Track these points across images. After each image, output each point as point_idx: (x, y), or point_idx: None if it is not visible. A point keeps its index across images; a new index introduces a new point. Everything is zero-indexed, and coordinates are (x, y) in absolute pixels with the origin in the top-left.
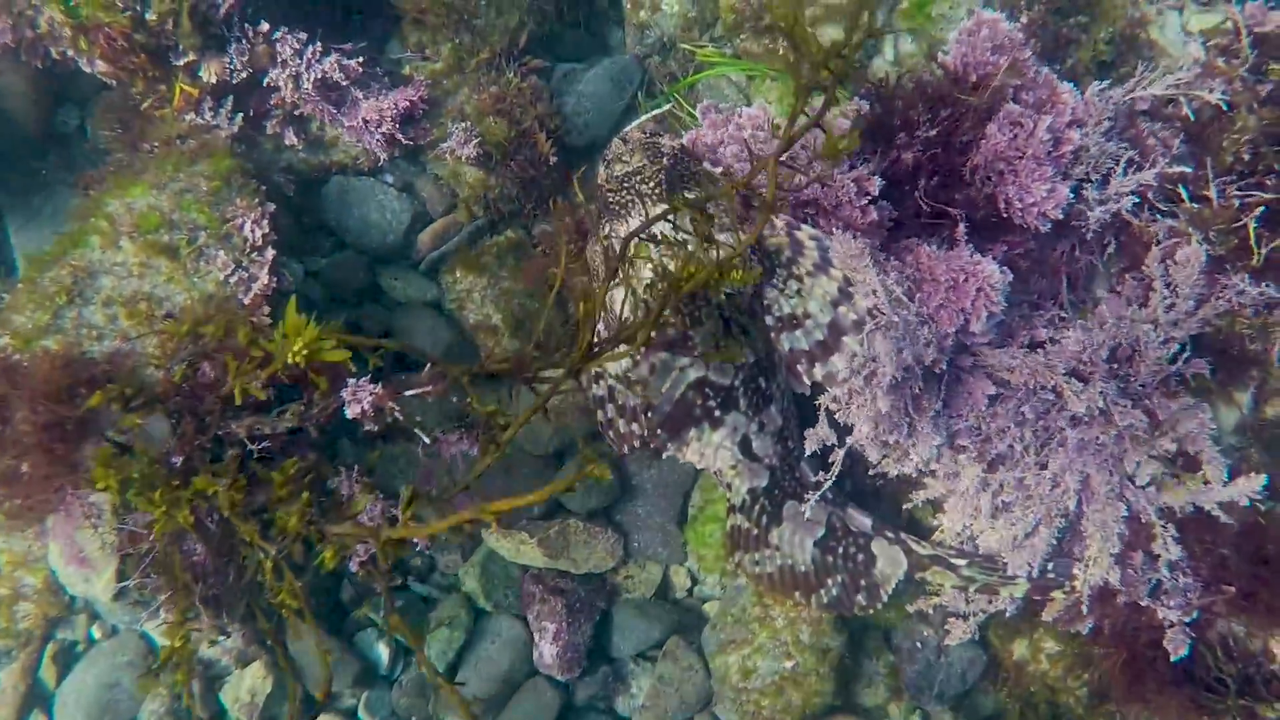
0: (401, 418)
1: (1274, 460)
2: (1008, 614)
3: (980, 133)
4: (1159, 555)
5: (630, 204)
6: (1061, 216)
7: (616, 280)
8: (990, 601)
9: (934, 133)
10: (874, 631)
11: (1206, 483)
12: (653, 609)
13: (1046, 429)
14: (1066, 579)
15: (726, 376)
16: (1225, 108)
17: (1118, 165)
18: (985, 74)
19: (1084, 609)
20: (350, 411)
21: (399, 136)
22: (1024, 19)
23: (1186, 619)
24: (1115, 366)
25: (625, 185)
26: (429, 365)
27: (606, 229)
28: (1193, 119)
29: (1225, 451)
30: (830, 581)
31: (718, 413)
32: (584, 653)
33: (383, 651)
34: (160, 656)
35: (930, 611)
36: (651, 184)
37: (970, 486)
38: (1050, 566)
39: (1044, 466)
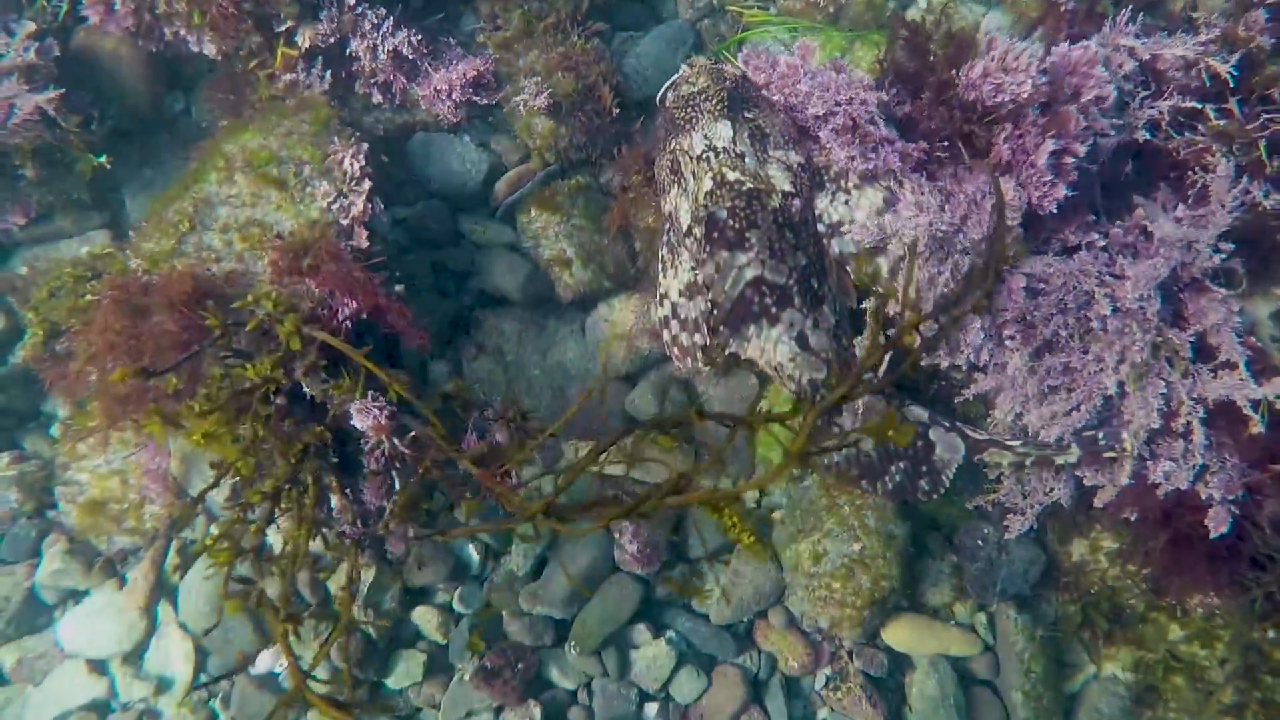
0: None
1: None
2: (1064, 503)
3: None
4: (1193, 438)
5: (695, 119)
6: (1056, 210)
7: (680, 190)
8: (1047, 488)
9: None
10: (936, 533)
11: (1241, 379)
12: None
13: (1088, 316)
14: (1116, 443)
15: (782, 276)
16: (1232, 80)
17: (1134, 100)
18: (994, 105)
19: (1129, 472)
20: (356, 422)
21: (474, 98)
22: None
23: (1230, 497)
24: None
25: (690, 103)
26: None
27: (672, 144)
28: (1208, 83)
29: (1267, 340)
30: (893, 468)
31: (774, 309)
32: (661, 549)
33: (473, 553)
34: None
35: (990, 509)
36: (714, 101)
37: (1019, 374)
38: (1100, 436)
39: (1086, 351)
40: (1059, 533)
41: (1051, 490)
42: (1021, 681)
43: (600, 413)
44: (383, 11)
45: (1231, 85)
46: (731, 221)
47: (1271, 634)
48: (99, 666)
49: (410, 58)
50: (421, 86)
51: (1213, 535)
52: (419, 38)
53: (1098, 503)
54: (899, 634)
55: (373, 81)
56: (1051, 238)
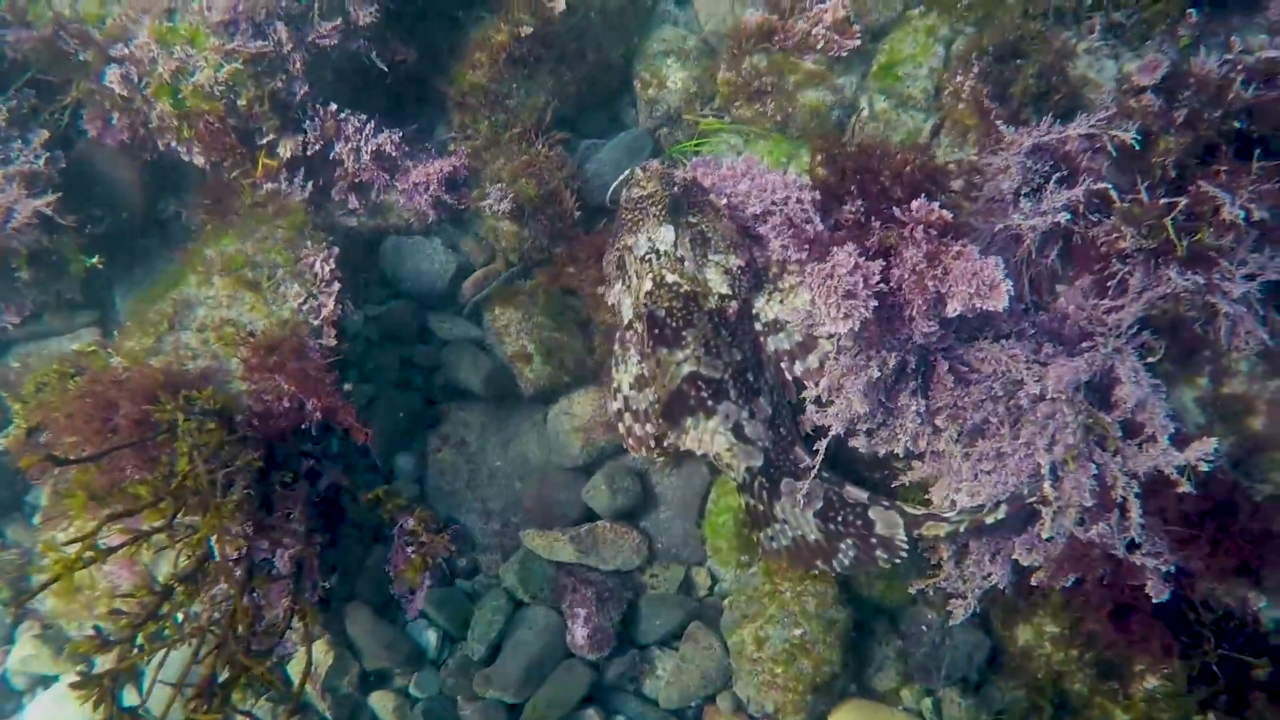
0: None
1: (1233, 431)
2: (1002, 585)
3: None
4: (1129, 513)
5: (640, 222)
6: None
7: (624, 286)
8: (985, 572)
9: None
10: (882, 617)
11: (1164, 450)
12: (676, 599)
13: (1018, 405)
14: (1038, 492)
15: (717, 371)
16: (1137, 144)
17: (1048, 182)
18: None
19: (1049, 524)
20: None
21: (445, 198)
22: (975, 69)
23: (1164, 568)
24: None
25: (638, 206)
26: None
27: (620, 242)
28: (1115, 154)
29: (1191, 426)
30: (843, 545)
31: (710, 402)
32: (613, 635)
33: (431, 638)
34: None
35: (931, 593)
36: (658, 207)
37: (953, 461)
38: (1025, 490)
39: (1017, 437)
40: (1003, 618)
41: (989, 574)
42: None
43: (555, 502)
44: (364, 116)
45: (1137, 150)
46: (669, 320)
47: (1212, 718)
48: None
49: (393, 155)
50: (400, 181)
51: (1155, 600)
52: (399, 136)
53: (1035, 581)
54: (846, 719)
55: (351, 186)
56: (985, 326)
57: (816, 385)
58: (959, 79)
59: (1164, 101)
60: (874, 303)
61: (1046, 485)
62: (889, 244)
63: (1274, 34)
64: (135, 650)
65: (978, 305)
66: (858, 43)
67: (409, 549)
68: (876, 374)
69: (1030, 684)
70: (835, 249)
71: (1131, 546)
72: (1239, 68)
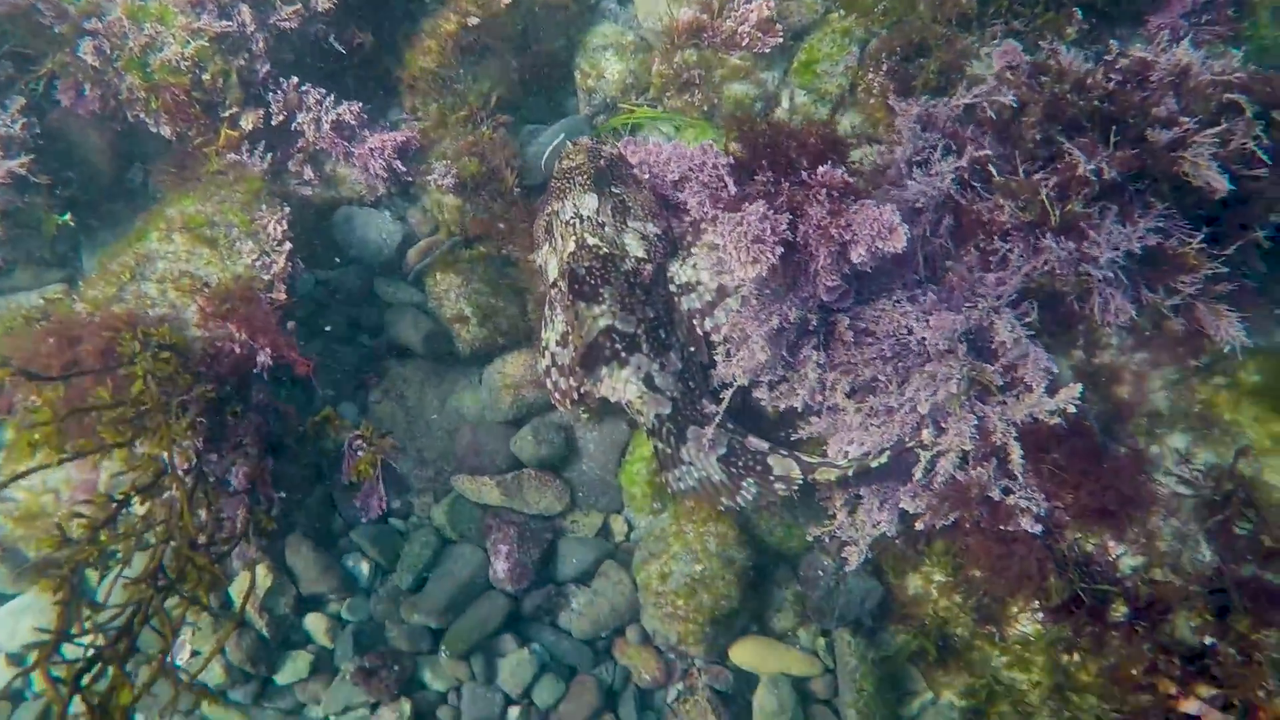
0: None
1: (1103, 398)
2: (890, 533)
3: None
4: (1009, 458)
5: (566, 190)
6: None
7: (550, 248)
8: (875, 520)
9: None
10: (782, 563)
11: (1040, 398)
12: (593, 541)
13: (906, 365)
14: (916, 439)
15: (631, 326)
16: (1015, 106)
17: (935, 150)
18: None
19: (924, 465)
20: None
21: (398, 165)
22: (884, 66)
23: (1036, 509)
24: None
25: (566, 175)
26: None
27: (549, 208)
28: (994, 118)
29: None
30: (745, 484)
31: (624, 354)
32: (532, 570)
33: (363, 569)
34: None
35: (827, 540)
36: (584, 177)
37: (848, 416)
38: (907, 439)
39: (904, 392)
40: (894, 567)
41: (879, 523)
42: (855, 699)
43: (485, 451)
44: (324, 90)
45: (1014, 108)
46: (588, 278)
47: (1077, 657)
48: (17, 660)
49: (353, 124)
50: (358, 148)
51: (1029, 530)
52: (359, 106)
53: (919, 525)
54: (745, 654)
55: (307, 158)
56: (883, 293)
57: (724, 337)
58: (871, 76)
59: (1033, 79)
60: (780, 249)
61: (925, 431)
62: (796, 201)
63: (1149, 42)
64: (93, 546)
65: (880, 247)
66: (780, 40)
67: (359, 453)
68: (778, 324)
69: (918, 628)
70: (747, 204)
71: (1006, 491)
72: (1115, 67)
